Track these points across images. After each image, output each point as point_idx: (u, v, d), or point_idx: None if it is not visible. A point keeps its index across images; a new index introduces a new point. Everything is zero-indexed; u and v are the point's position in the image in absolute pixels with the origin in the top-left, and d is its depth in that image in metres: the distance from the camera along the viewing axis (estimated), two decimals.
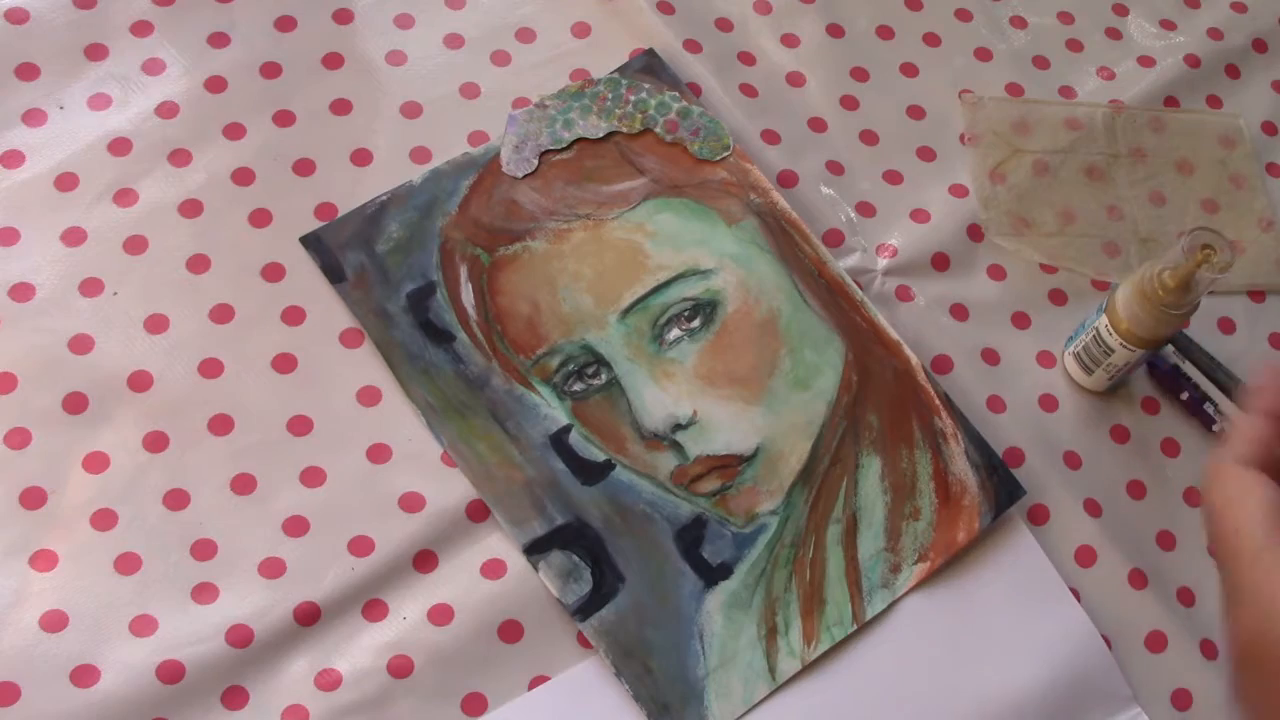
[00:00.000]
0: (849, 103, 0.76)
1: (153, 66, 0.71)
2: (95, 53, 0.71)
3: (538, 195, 0.70)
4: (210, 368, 0.64)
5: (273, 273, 0.67)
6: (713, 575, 0.63)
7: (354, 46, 0.73)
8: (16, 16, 0.71)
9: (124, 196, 0.68)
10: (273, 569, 0.61)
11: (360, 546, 0.61)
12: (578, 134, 0.71)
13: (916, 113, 0.77)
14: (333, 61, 0.72)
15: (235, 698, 0.58)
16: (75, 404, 0.63)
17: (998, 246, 0.73)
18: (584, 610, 0.61)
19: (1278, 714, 0.42)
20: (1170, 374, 0.71)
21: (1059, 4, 0.82)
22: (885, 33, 0.79)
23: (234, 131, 0.70)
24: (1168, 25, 0.82)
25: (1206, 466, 0.48)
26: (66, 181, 0.67)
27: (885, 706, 0.62)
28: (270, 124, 0.70)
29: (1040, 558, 0.65)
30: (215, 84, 0.71)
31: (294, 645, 0.60)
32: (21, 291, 0.65)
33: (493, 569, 0.62)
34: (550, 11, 0.76)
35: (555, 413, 0.65)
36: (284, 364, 0.65)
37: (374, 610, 0.61)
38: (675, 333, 0.67)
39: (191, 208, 0.68)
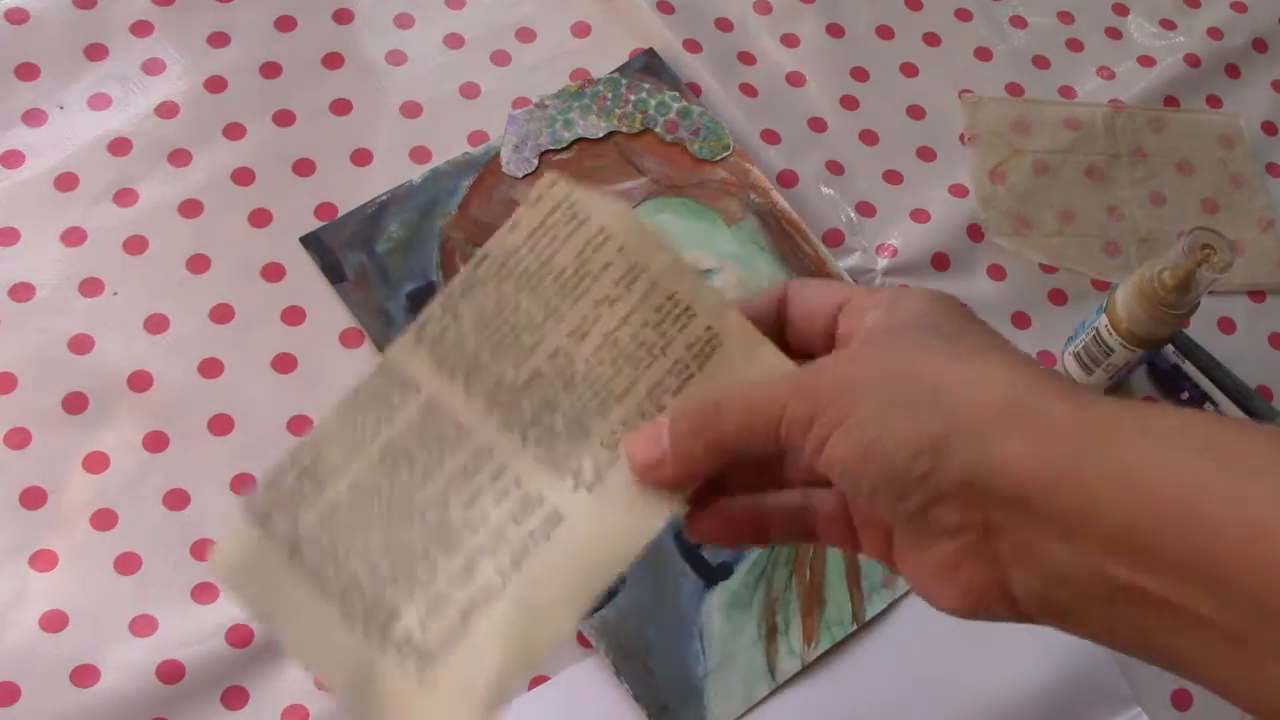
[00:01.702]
0: (849, 103, 0.76)
1: (153, 66, 0.71)
2: (95, 53, 0.71)
3: None
4: (210, 368, 0.64)
5: (273, 273, 0.67)
6: (713, 575, 0.63)
7: (354, 46, 0.73)
8: (16, 16, 0.71)
9: (124, 196, 0.68)
10: None
11: None
12: (578, 134, 0.71)
13: (916, 113, 0.77)
14: (333, 61, 0.72)
15: (235, 698, 0.58)
16: (75, 404, 0.63)
17: (998, 246, 0.73)
18: None
19: None
20: (1170, 374, 0.71)
21: (1059, 4, 0.82)
22: (885, 33, 0.79)
23: (234, 131, 0.70)
24: (1168, 25, 0.82)
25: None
26: (66, 181, 0.67)
27: (885, 706, 0.62)
28: (270, 124, 0.70)
29: None
30: (215, 84, 0.71)
31: None
32: (21, 291, 0.65)
33: None
34: (550, 11, 0.76)
35: None
36: (284, 364, 0.65)
37: None
38: None
39: (191, 208, 0.68)
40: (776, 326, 0.44)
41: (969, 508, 0.37)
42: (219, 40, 0.72)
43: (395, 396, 0.43)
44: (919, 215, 0.74)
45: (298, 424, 0.64)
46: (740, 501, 0.44)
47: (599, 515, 0.42)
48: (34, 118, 0.69)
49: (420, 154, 0.71)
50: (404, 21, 0.74)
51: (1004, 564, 0.38)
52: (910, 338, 0.40)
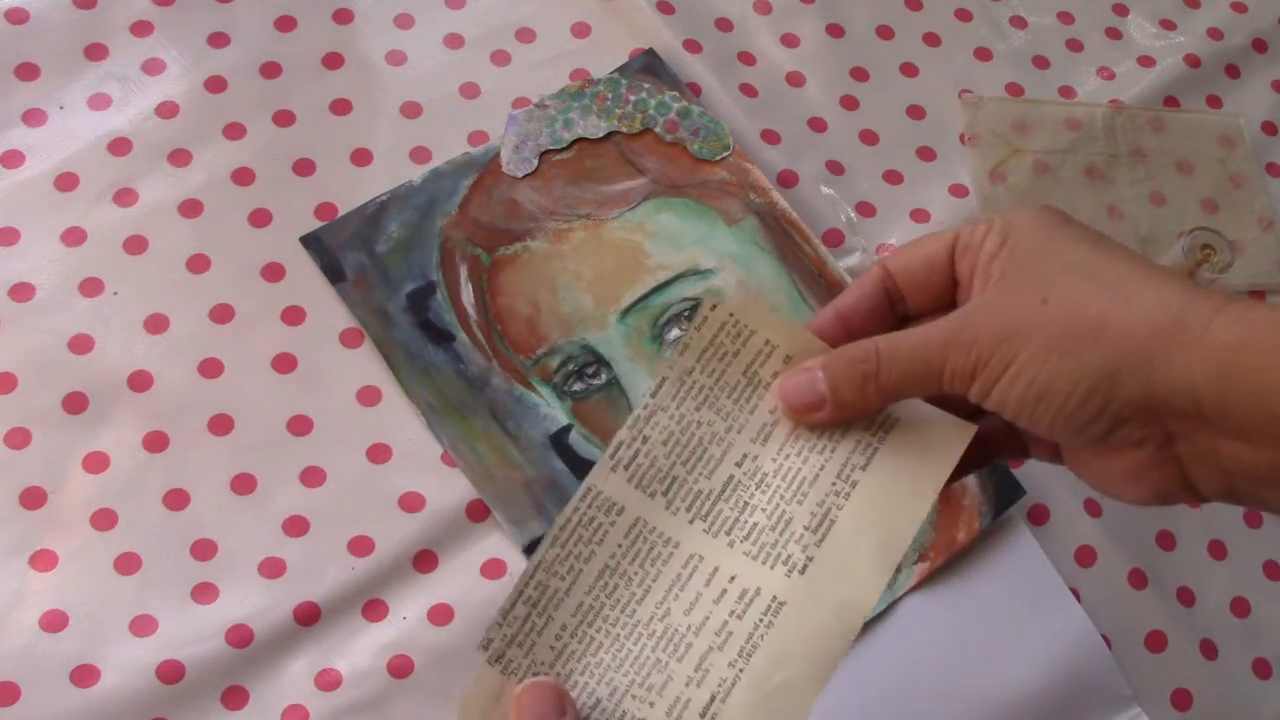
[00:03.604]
0: (849, 103, 0.76)
1: (153, 66, 0.71)
2: (95, 53, 0.71)
3: (538, 195, 0.70)
4: (210, 368, 0.64)
5: (273, 273, 0.67)
6: None
7: (354, 46, 0.73)
8: (16, 16, 0.71)
9: (124, 196, 0.68)
10: (273, 569, 0.61)
11: (360, 546, 0.61)
12: (578, 134, 0.71)
13: (916, 113, 0.77)
14: (333, 61, 0.72)
15: (235, 698, 0.58)
16: (75, 404, 0.63)
17: None
18: None
19: None
20: None
21: (1059, 4, 0.82)
22: (885, 33, 0.79)
23: (234, 131, 0.70)
24: (1168, 25, 0.82)
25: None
26: (66, 181, 0.67)
27: (884, 706, 0.62)
28: (270, 124, 0.70)
29: (1040, 558, 0.65)
30: (215, 84, 0.71)
31: (294, 645, 0.60)
32: (21, 291, 0.65)
33: (493, 569, 0.62)
34: (550, 11, 0.76)
35: (555, 413, 0.65)
36: (284, 364, 0.65)
37: (374, 610, 0.61)
38: (675, 333, 0.67)
39: (191, 208, 0.68)
40: (886, 304, 0.46)
41: (1148, 424, 0.40)
42: (219, 40, 0.72)
43: (601, 519, 0.45)
44: (919, 215, 0.74)
45: (298, 424, 0.64)
46: None
47: (818, 593, 0.44)
48: (34, 118, 0.69)
49: (420, 154, 0.71)
50: (404, 21, 0.74)
51: (1185, 464, 0.41)
52: (1045, 272, 0.41)
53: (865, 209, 0.73)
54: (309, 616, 0.60)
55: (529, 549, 0.62)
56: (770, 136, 0.74)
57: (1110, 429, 0.41)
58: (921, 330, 0.43)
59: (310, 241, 0.68)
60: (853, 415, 0.44)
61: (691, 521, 0.45)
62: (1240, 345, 0.39)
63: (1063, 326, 0.40)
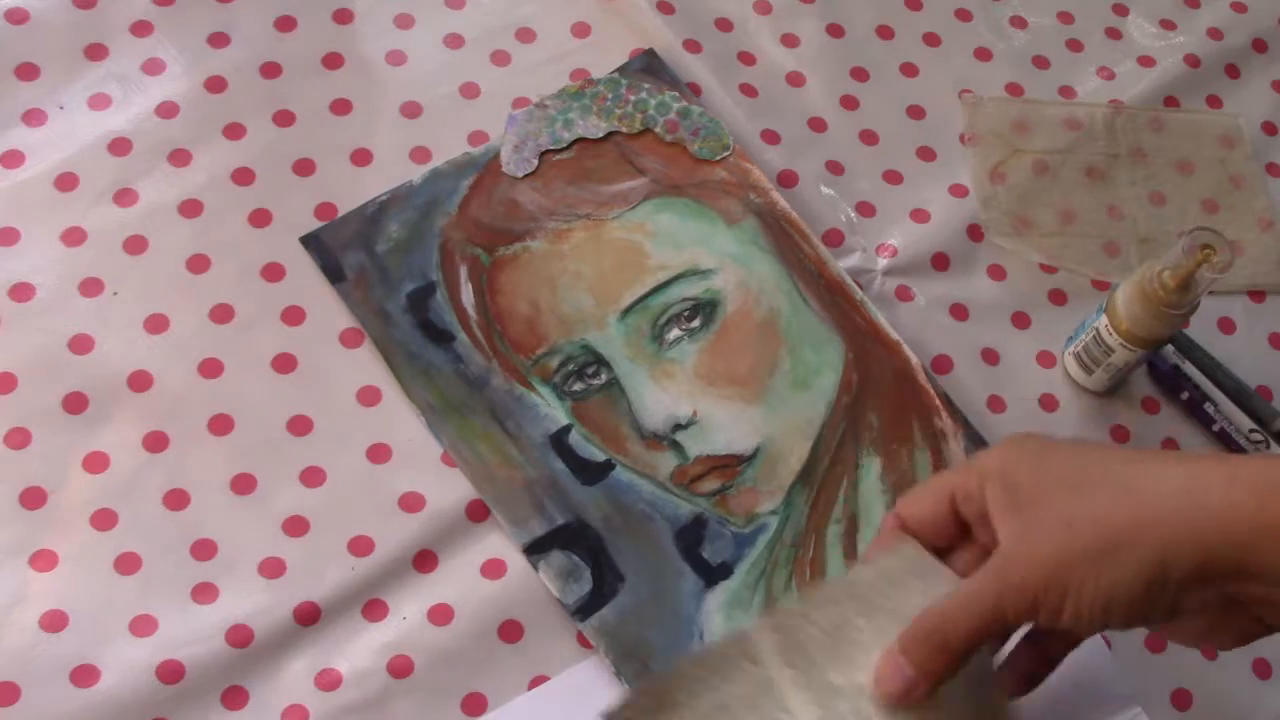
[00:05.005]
0: (849, 103, 0.76)
1: (153, 66, 0.71)
2: (95, 53, 0.71)
3: (538, 195, 0.70)
4: (210, 368, 0.64)
5: (273, 273, 0.67)
6: (713, 575, 0.63)
7: (354, 46, 0.73)
8: (16, 16, 0.71)
9: (124, 196, 0.68)
10: (273, 569, 0.61)
11: (360, 546, 0.61)
12: (578, 134, 0.71)
13: (916, 113, 0.77)
14: (333, 61, 0.72)
15: (235, 698, 0.58)
16: (75, 404, 0.63)
17: (998, 246, 0.73)
18: (584, 610, 0.61)
19: None
20: (1170, 374, 0.71)
21: (1059, 4, 0.82)
22: (885, 33, 0.79)
23: (234, 131, 0.70)
24: (1168, 25, 0.82)
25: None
26: (66, 181, 0.68)
27: None
28: (270, 124, 0.70)
29: None
30: (215, 84, 0.71)
31: (294, 645, 0.60)
32: (21, 291, 0.65)
33: (493, 569, 0.62)
34: (550, 11, 0.76)
35: (555, 413, 0.65)
36: (284, 364, 0.65)
37: (374, 610, 0.61)
38: (675, 333, 0.67)
39: (191, 208, 0.68)
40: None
41: (1205, 590, 0.45)
42: (219, 40, 0.72)
43: (743, 663, 0.49)
44: (919, 215, 0.74)
45: (298, 424, 0.64)
46: (1021, 651, 0.52)
47: None
48: (34, 118, 0.69)
49: (420, 154, 0.71)
50: (404, 21, 0.74)
51: (1251, 607, 0.46)
52: (1056, 500, 0.46)
53: (865, 209, 0.73)
54: (309, 616, 0.60)
55: (529, 549, 0.62)
56: (770, 136, 0.74)
57: (1173, 607, 0.45)
58: (972, 586, 0.46)
59: (310, 241, 0.68)
60: (944, 677, 0.47)
61: (813, 708, 0.48)
62: (1259, 510, 0.43)
63: (1100, 540, 0.44)
